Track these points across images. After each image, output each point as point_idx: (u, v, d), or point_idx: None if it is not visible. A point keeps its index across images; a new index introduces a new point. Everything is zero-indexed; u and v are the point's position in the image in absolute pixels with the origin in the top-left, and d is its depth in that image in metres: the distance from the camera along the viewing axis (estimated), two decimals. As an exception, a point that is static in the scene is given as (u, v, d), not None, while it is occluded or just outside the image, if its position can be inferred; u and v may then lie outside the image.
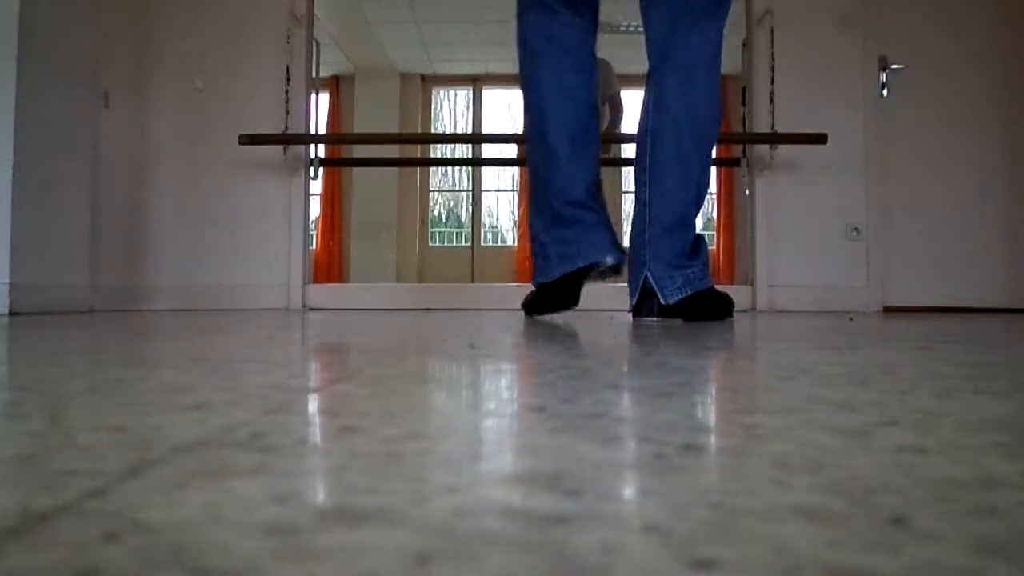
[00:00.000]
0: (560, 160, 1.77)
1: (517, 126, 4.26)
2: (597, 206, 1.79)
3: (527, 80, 1.81)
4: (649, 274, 1.72)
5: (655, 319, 1.73)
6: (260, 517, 0.24)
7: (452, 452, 0.35)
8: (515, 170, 6.49)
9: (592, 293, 3.39)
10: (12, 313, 2.25)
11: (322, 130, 5.78)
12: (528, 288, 1.93)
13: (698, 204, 1.79)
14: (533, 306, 1.87)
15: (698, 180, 1.76)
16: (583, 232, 1.77)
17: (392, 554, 0.21)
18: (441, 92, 6.77)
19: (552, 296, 1.84)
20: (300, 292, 3.28)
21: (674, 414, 0.46)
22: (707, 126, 1.76)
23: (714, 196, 6.98)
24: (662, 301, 1.71)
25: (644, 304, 1.74)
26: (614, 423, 0.42)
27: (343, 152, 5.52)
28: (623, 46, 5.70)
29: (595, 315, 1.90)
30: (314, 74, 3.48)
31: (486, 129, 6.55)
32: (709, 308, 1.76)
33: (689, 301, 1.72)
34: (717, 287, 1.83)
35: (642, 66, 1.83)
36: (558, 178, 1.78)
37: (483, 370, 0.77)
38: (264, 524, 0.23)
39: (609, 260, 1.78)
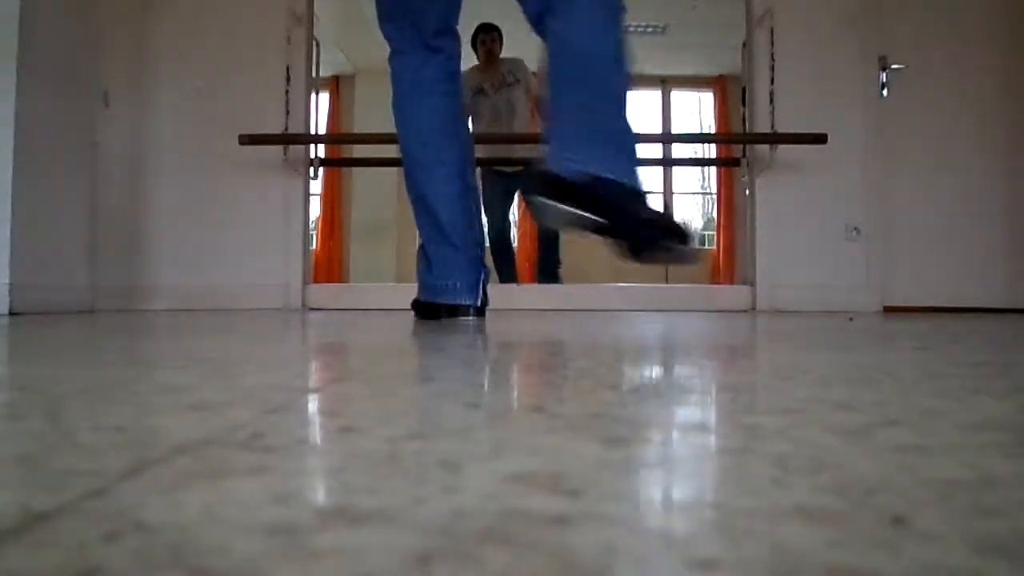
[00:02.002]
0: (423, 193, 1.83)
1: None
2: (461, 242, 1.83)
3: (394, 112, 1.89)
4: (545, 151, 1.46)
5: (542, 198, 1.40)
6: (260, 517, 0.24)
7: (452, 452, 0.35)
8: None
9: (591, 294, 3.39)
10: (12, 313, 2.25)
11: (322, 130, 5.78)
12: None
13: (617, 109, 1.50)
14: (416, 309, 1.92)
15: (613, 94, 1.50)
16: (445, 270, 1.82)
17: (392, 554, 0.21)
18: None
19: (425, 312, 1.88)
20: (300, 292, 3.28)
21: (674, 414, 0.46)
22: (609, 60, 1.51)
23: (714, 196, 6.98)
24: (552, 170, 1.41)
25: (533, 182, 1.46)
26: (614, 423, 0.42)
27: (343, 152, 5.51)
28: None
29: (594, 315, 1.90)
30: (314, 74, 3.48)
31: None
32: (637, 221, 1.40)
33: (598, 187, 1.38)
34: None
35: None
36: (424, 208, 1.84)
37: (482, 369, 0.77)
38: (264, 524, 0.23)
39: (465, 304, 1.82)
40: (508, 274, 4.01)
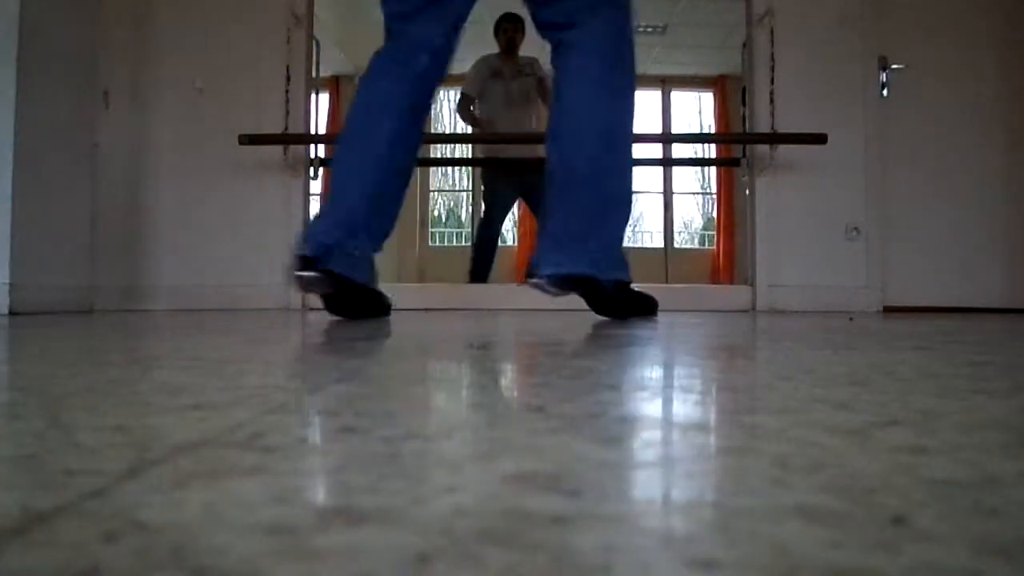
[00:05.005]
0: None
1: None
2: None
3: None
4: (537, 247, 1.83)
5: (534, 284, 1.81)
6: (260, 517, 0.24)
7: (452, 452, 0.35)
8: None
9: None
10: (12, 313, 2.25)
11: (322, 130, 5.77)
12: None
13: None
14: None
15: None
16: None
17: (392, 554, 0.21)
18: (441, 92, 6.77)
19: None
20: (300, 292, 3.28)
21: (674, 414, 0.46)
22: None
23: (714, 196, 6.98)
24: (538, 272, 1.78)
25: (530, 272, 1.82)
26: (614, 423, 0.42)
27: (343, 152, 5.51)
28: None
29: (593, 315, 1.90)
30: (314, 74, 3.48)
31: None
32: (596, 296, 1.80)
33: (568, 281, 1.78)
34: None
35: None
36: None
37: (483, 370, 0.77)
38: (264, 524, 0.23)
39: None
40: (485, 274, 4.00)
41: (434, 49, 1.82)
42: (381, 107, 1.81)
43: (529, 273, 1.83)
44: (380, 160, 1.79)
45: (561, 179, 1.78)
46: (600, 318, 1.83)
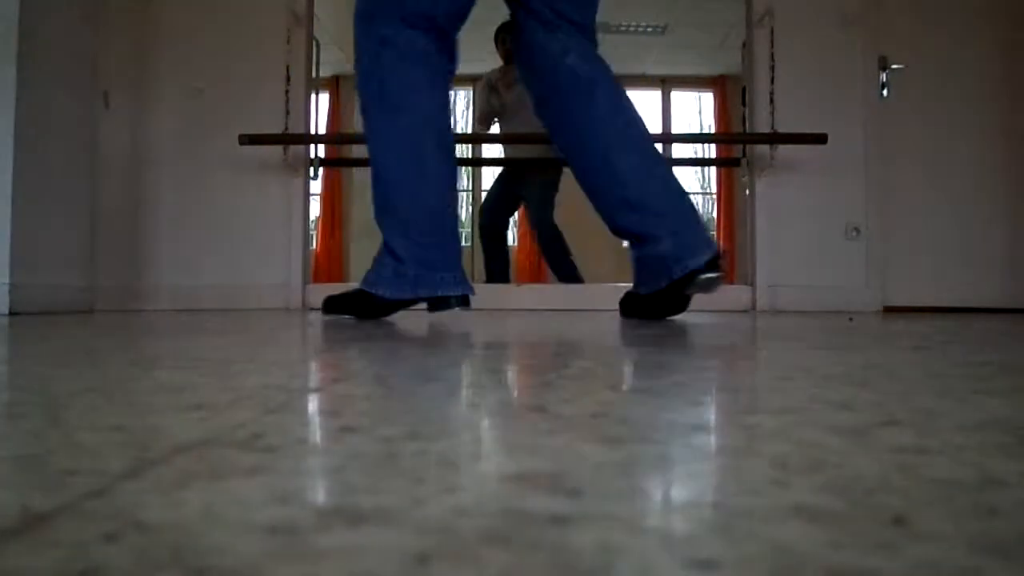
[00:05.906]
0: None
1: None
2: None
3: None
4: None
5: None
6: (260, 517, 0.24)
7: (452, 452, 0.35)
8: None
9: (589, 294, 3.39)
10: (12, 313, 2.25)
11: (322, 130, 5.77)
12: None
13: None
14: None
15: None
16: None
17: (392, 554, 0.21)
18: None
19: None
20: (300, 292, 3.28)
21: (674, 414, 0.46)
22: None
23: (714, 196, 6.98)
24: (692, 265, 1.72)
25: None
26: (614, 423, 0.42)
27: (343, 152, 5.51)
28: (624, 45, 5.70)
29: (595, 315, 1.90)
30: (314, 74, 3.48)
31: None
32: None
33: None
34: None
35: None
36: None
37: (483, 369, 0.77)
38: (264, 524, 0.23)
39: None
40: (501, 273, 3.98)
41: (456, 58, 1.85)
42: (435, 121, 1.80)
43: (684, 273, 1.70)
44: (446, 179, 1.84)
45: (638, 188, 1.78)
46: (601, 317, 1.82)
